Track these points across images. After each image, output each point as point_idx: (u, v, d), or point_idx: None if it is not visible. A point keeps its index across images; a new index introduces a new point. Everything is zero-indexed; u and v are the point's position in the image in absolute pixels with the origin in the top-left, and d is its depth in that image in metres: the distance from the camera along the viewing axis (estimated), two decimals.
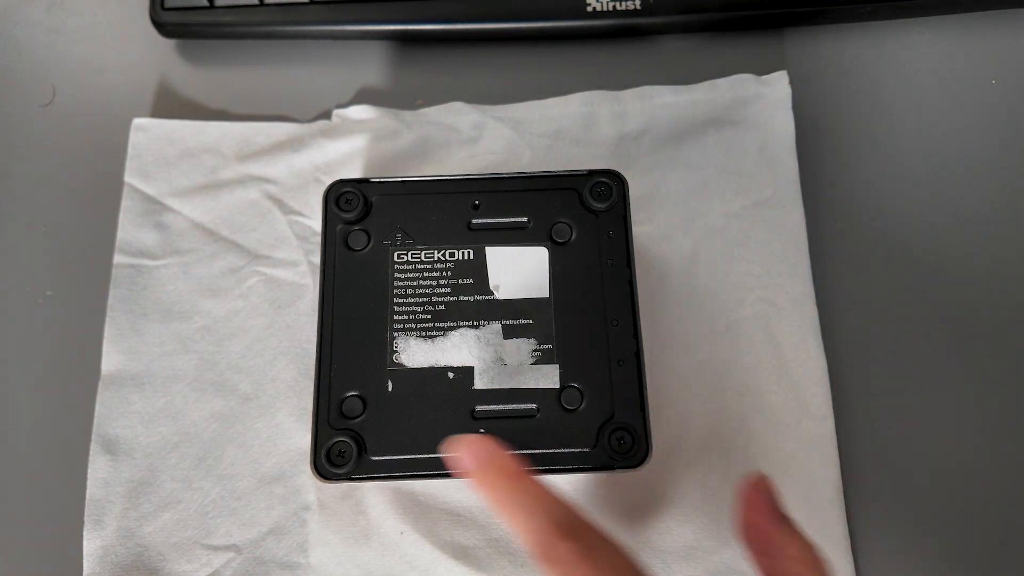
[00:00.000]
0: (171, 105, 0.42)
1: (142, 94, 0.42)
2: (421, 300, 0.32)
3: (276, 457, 0.35)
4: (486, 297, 0.32)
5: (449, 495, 0.34)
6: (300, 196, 0.39)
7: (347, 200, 0.33)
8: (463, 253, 0.33)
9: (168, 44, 0.43)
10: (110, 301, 0.37)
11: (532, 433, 0.30)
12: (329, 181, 0.35)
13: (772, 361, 0.36)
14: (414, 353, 0.31)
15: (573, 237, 0.33)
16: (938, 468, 0.35)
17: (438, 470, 0.30)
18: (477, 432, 0.30)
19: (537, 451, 0.30)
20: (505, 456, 0.27)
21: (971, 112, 0.40)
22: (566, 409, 0.30)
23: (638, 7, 0.40)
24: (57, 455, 0.36)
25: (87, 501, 0.34)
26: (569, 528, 0.24)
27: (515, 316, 0.32)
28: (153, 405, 0.36)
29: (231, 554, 0.34)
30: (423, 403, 0.30)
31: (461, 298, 0.32)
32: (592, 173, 0.33)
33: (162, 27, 0.42)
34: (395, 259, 0.32)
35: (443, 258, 0.32)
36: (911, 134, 0.40)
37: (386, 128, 0.40)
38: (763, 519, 0.26)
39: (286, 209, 0.39)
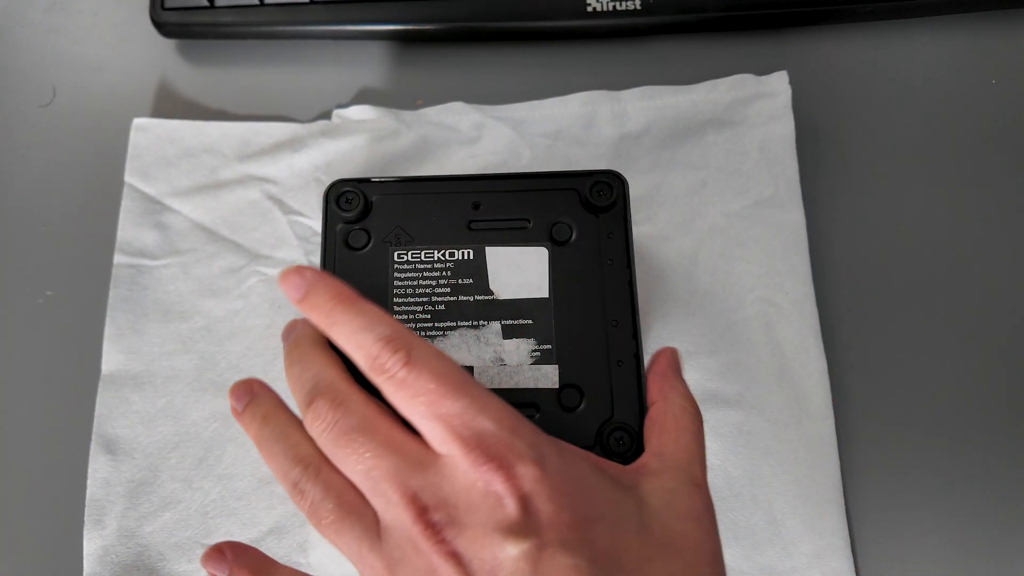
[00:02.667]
0: (171, 105, 0.42)
1: (142, 94, 0.42)
2: (421, 300, 0.32)
3: None
4: (486, 297, 0.32)
5: None
6: (300, 196, 0.39)
7: (347, 199, 0.33)
8: (463, 253, 0.32)
9: (168, 44, 0.43)
10: (110, 301, 0.37)
11: None
12: (329, 181, 0.35)
13: (772, 361, 0.36)
14: None
15: (573, 237, 0.33)
16: (938, 468, 0.35)
17: None
18: None
19: None
20: (334, 281, 0.26)
21: (971, 112, 0.40)
22: (565, 409, 0.30)
23: (638, 7, 0.40)
24: (57, 455, 0.36)
25: (87, 501, 0.34)
26: (399, 341, 0.24)
27: (515, 316, 0.31)
28: (153, 405, 0.36)
29: None
30: None
31: (461, 298, 0.32)
32: (592, 173, 0.33)
33: (162, 27, 0.42)
34: (395, 259, 0.32)
35: (443, 258, 0.32)
36: (911, 134, 0.40)
37: (386, 128, 0.40)
38: (664, 372, 0.29)
39: (286, 209, 0.39)
